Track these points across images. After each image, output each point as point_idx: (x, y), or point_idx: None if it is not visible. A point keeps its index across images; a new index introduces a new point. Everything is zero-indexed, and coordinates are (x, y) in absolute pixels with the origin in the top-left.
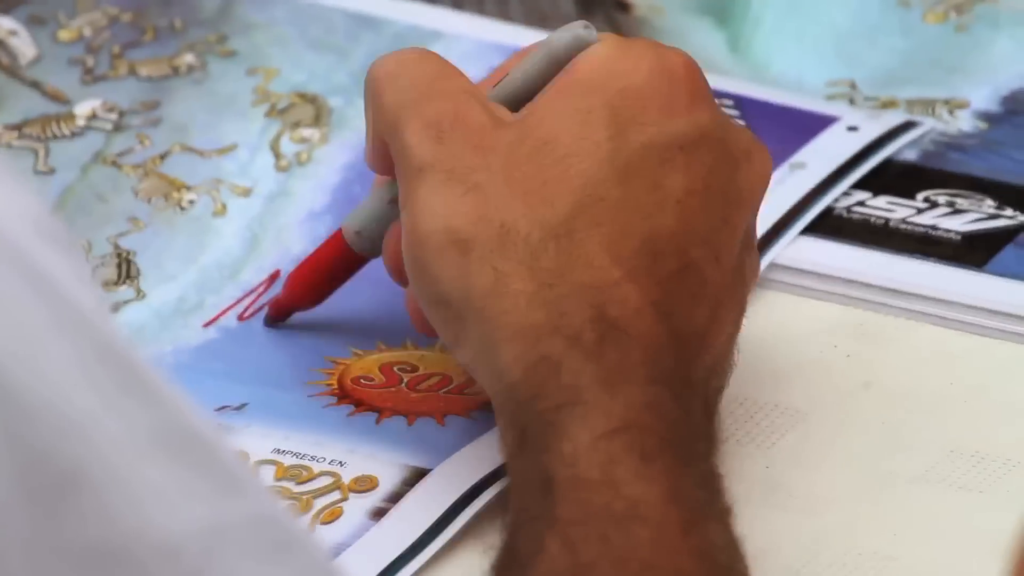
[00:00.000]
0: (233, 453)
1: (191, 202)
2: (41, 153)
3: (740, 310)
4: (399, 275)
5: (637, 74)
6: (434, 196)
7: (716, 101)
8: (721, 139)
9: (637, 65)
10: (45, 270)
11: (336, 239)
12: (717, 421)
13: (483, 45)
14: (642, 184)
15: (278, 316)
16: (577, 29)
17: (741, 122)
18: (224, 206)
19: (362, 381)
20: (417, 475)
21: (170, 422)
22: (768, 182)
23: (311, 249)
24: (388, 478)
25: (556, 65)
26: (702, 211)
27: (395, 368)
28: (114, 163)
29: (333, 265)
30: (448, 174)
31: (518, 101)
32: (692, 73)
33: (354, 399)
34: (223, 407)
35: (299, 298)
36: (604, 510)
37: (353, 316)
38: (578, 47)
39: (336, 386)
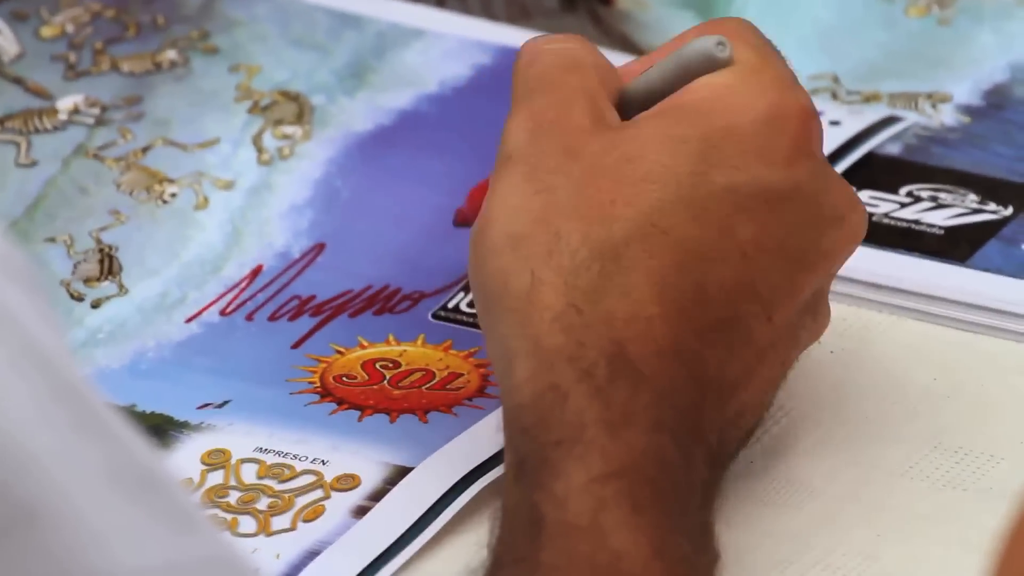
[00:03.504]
0: (187, 493)
1: (173, 195)
2: (23, 146)
3: (782, 370)
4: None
5: (746, 114)
6: (510, 188)
7: (823, 154)
8: (815, 198)
9: (751, 104)
10: (6, 307)
11: None
12: (721, 471)
13: (466, 43)
14: (711, 227)
15: (464, 223)
16: (710, 46)
17: None
18: (206, 199)
19: (344, 379)
20: (399, 473)
21: (126, 461)
22: (856, 245)
23: (293, 243)
24: (370, 476)
25: (686, 75)
26: (768, 268)
27: (377, 365)
28: (96, 156)
29: None
30: (531, 170)
31: (643, 104)
32: (807, 123)
33: (336, 397)
34: (205, 404)
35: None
36: (588, 560)
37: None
38: (708, 65)
39: (318, 384)
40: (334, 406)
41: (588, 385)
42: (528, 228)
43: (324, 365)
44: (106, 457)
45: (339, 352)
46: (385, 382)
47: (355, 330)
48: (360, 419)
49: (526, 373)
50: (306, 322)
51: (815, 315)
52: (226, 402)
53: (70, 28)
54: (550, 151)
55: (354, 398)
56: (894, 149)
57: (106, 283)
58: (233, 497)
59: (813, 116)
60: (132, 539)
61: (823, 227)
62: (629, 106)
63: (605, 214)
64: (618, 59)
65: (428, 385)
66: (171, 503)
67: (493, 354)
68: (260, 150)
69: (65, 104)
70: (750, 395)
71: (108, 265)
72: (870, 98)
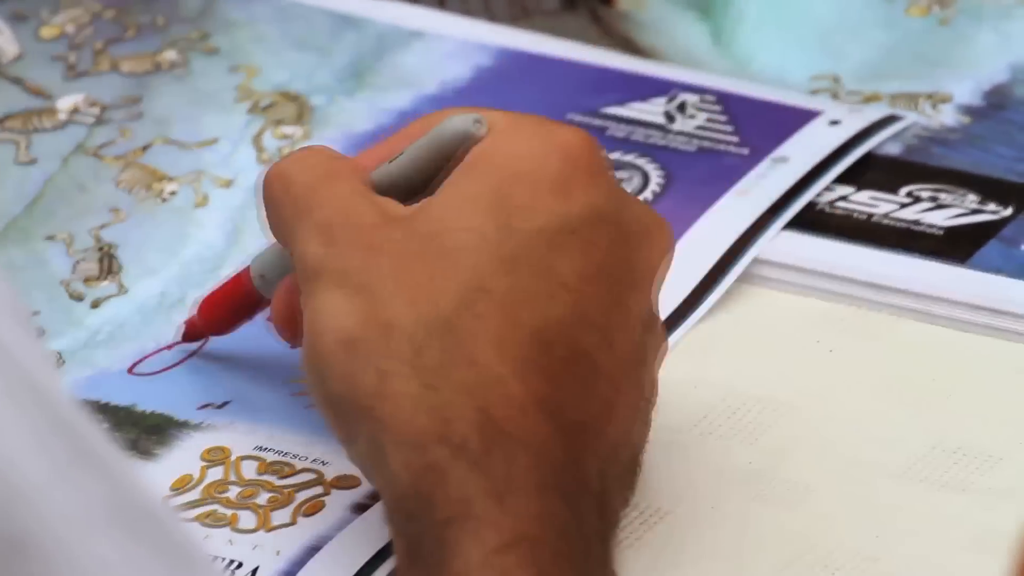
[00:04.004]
0: (185, 530)
1: (172, 193)
2: (22, 145)
3: (640, 394)
4: (283, 329)
5: (529, 157)
6: (326, 298)
7: (615, 175)
8: (616, 218)
9: (529, 147)
10: (1, 340)
11: (244, 276)
12: (612, 518)
13: (466, 44)
14: (530, 272)
15: (191, 337)
16: (467, 124)
17: (724, 119)
18: (206, 197)
19: None
20: None
21: (122, 497)
22: (670, 259)
23: None
24: None
25: (441, 156)
26: (595, 296)
27: None
28: (95, 154)
29: (238, 302)
30: (340, 276)
31: (400, 189)
32: (587, 150)
33: None
34: (205, 404)
35: (209, 327)
36: None
37: None
38: (466, 143)
39: None
40: None
41: (465, 459)
42: (357, 330)
43: None
44: (103, 492)
45: None
46: None
47: None
48: None
49: (399, 461)
50: None
51: (655, 333)
52: (226, 403)
53: (70, 28)
54: (352, 253)
55: None
56: (894, 149)
57: (106, 283)
58: (233, 492)
59: (592, 142)
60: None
61: (633, 243)
62: (383, 195)
63: (427, 293)
64: (618, 59)
65: None
66: (169, 540)
67: (358, 459)
68: (260, 150)
69: (65, 104)
70: (616, 429)
71: (108, 264)
72: (870, 98)
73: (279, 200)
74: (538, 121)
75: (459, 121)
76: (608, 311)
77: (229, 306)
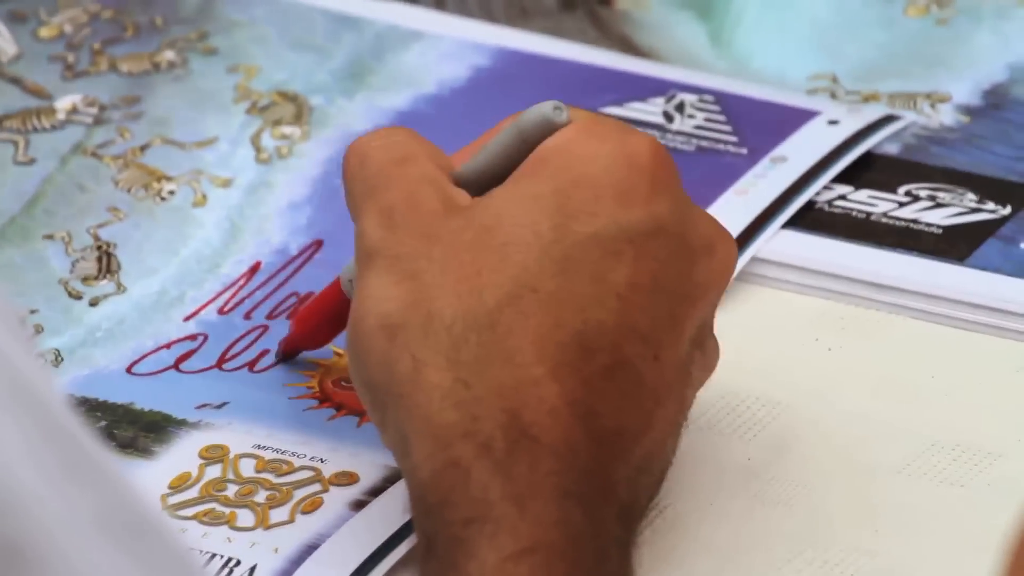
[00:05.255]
0: (179, 538)
1: (171, 192)
2: (21, 144)
3: (680, 408)
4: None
5: (594, 160)
6: (376, 281)
7: (682, 189)
8: (680, 232)
9: (598, 151)
10: None
11: (335, 286)
12: (636, 523)
13: (464, 44)
14: (581, 277)
15: (288, 355)
16: (546, 110)
17: (723, 119)
18: (204, 196)
19: (343, 383)
20: (399, 475)
21: (117, 506)
22: (731, 275)
23: (291, 240)
24: (369, 475)
25: (525, 145)
26: (646, 307)
27: None
28: (94, 154)
29: (333, 310)
30: (393, 260)
31: (485, 180)
32: (657, 161)
33: (335, 402)
34: (203, 405)
35: (305, 340)
36: None
37: None
38: (546, 129)
39: (317, 389)
40: (333, 411)
41: (488, 460)
42: (400, 316)
43: (323, 369)
44: (96, 501)
45: (338, 354)
46: None
47: None
48: (359, 424)
49: (423, 453)
50: None
51: (703, 349)
52: (224, 403)
53: (68, 29)
54: (408, 240)
55: (353, 403)
56: (893, 148)
57: (104, 282)
58: (231, 491)
59: (663, 153)
60: None
61: (694, 259)
62: (467, 189)
63: (473, 285)
64: (616, 59)
65: None
66: (163, 549)
67: (390, 442)
68: (258, 149)
69: (63, 104)
70: (652, 439)
71: (106, 263)
72: (869, 98)
73: (353, 176)
74: (613, 126)
75: (538, 108)
76: (657, 323)
77: (323, 317)
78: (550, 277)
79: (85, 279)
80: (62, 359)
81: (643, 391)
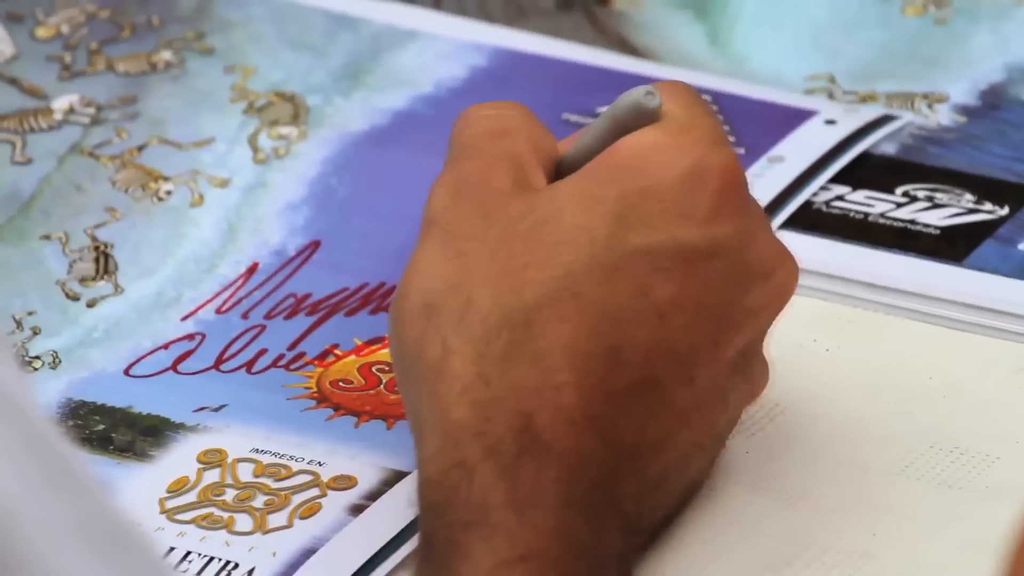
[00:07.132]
0: (158, 551)
1: (168, 192)
2: (18, 144)
3: (710, 432)
4: None
5: (667, 172)
6: (427, 253)
7: (753, 210)
8: (739, 255)
9: (673, 162)
10: None
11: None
12: (641, 537)
13: (461, 44)
14: (625, 289)
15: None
16: (639, 95)
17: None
18: (201, 196)
19: (341, 384)
20: (396, 477)
21: (97, 517)
22: (786, 301)
23: (289, 240)
24: (367, 478)
25: (619, 131)
26: (687, 329)
27: (373, 368)
28: (91, 154)
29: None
30: (448, 235)
31: (581, 167)
32: (727, 180)
33: (333, 403)
34: (202, 407)
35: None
36: None
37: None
38: (639, 114)
39: (315, 389)
40: (331, 412)
41: (494, 463)
42: (441, 295)
43: (320, 369)
44: (77, 511)
45: (335, 354)
46: (381, 386)
47: (351, 330)
48: (357, 425)
49: (434, 448)
50: (302, 321)
51: (747, 375)
52: (223, 406)
53: (65, 29)
54: (468, 215)
55: (351, 403)
56: (890, 149)
57: (101, 282)
58: (229, 495)
59: (737, 173)
60: None
61: (747, 284)
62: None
63: (516, 279)
64: (613, 59)
65: None
66: (142, 561)
67: (410, 422)
68: (256, 150)
69: (60, 104)
70: (672, 458)
71: (104, 264)
72: (866, 98)
73: (451, 139)
74: (699, 138)
75: (630, 94)
76: (696, 346)
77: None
78: (595, 284)
79: (82, 280)
80: (60, 360)
81: (669, 411)
